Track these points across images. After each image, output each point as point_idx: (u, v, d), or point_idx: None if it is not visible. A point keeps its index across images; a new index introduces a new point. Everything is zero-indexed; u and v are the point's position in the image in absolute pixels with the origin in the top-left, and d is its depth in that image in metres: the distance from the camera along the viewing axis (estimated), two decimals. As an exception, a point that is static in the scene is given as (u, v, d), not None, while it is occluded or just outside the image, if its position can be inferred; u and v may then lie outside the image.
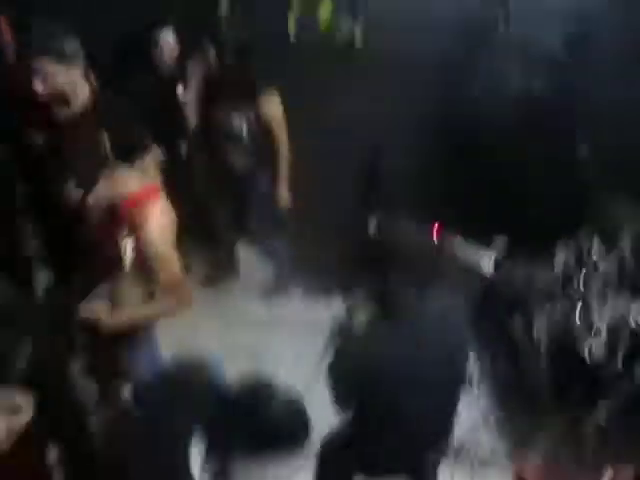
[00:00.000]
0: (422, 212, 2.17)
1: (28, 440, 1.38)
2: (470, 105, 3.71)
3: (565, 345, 2.95)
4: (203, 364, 1.70)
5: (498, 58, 3.68)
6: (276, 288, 3.84)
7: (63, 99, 2.25)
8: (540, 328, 3.01)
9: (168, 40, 3.36)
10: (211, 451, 1.56)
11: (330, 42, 3.71)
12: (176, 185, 2.43)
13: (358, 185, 3.84)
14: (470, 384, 2.02)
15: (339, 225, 3.67)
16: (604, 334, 2.61)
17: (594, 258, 3.14)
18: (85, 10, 2.97)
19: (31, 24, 2.18)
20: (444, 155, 3.78)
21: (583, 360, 2.78)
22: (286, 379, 1.63)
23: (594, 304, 2.90)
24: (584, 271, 3.14)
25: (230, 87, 3.20)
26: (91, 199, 1.95)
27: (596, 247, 3.14)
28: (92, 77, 2.37)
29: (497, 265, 3.44)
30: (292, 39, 3.68)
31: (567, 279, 3.29)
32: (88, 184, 1.93)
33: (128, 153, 2.10)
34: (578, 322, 2.91)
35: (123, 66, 3.32)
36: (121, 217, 1.96)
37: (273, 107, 3.23)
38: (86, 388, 1.89)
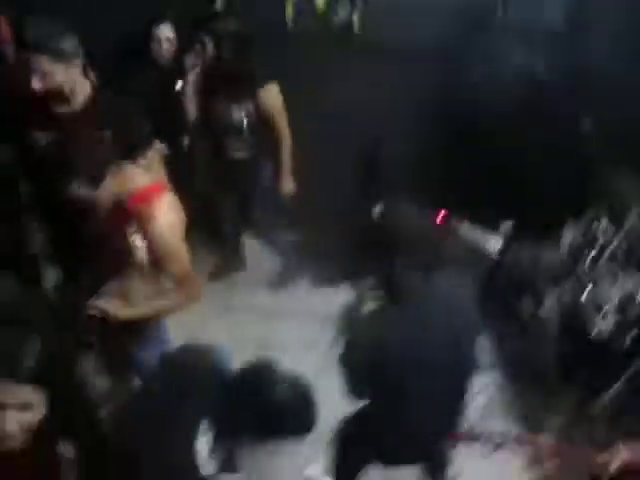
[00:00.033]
0: (425, 198, 2.16)
1: (40, 437, 1.39)
2: (470, 89, 3.68)
3: (574, 324, 2.98)
4: (209, 351, 1.70)
5: (497, 40, 3.65)
6: (283, 279, 3.85)
7: (62, 97, 2.24)
8: (548, 308, 3.04)
9: (166, 35, 3.35)
10: (218, 439, 1.57)
11: (328, 27, 3.67)
12: (179, 179, 2.43)
13: (359, 171, 3.83)
14: (480, 366, 2.02)
15: (343, 212, 3.66)
16: (613, 312, 2.62)
17: (601, 237, 3.13)
18: (84, 7, 2.95)
19: (30, 23, 2.17)
20: (446, 140, 3.76)
21: (590, 337, 2.79)
22: (295, 368, 1.63)
23: (602, 283, 2.91)
24: (592, 250, 3.15)
25: (229, 79, 3.18)
26: (98, 196, 1.95)
27: (603, 226, 3.14)
28: (92, 74, 2.37)
29: (504, 247, 3.44)
30: (290, 25, 3.65)
31: (575, 259, 3.30)
32: (94, 181, 1.93)
33: (131, 148, 2.10)
34: (587, 301, 2.92)
35: (122, 62, 3.31)
36: (129, 213, 1.97)
37: (272, 97, 3.22)
38: (96, 384, 1.90)
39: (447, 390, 1.95)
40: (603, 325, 2.86)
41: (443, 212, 2.71)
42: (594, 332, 2.85)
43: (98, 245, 2.03)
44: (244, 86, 3.18)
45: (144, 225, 1.96)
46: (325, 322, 2.95)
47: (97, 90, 2.32)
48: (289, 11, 3.64)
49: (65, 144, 2.00)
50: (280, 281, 3.84)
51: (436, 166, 3.77)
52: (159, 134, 2.52)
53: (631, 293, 2.91)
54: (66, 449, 1.50)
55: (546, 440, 2.72)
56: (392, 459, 2.15)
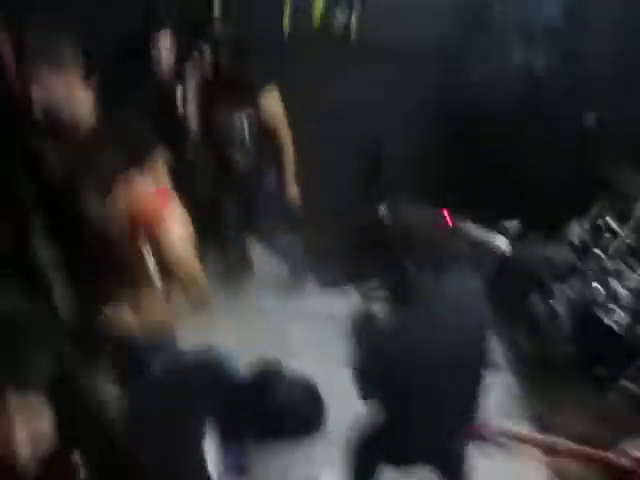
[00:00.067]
0: (427, 197, 2.15)
1: (53, 447, 1.39)
2: (471, 89, 3.68)
3: (588, 316, 2.96)
4: (217, 354, 1.70)
5: (496, 38, 3.65)
6: (291, 283, 3.85)
7: (64, 110, 2.25)
8: (560, 301, 3.02)
9: (165, 44, 3.36)
10: (225, 441, 1.56)
11: (327, 30, 3.68)
12: (182, 187, 2.43)
13: (361, 171, 3.83)
14: (492, 365, 2.00)
15: (346, 213, 3.67)
16: (625, 306, 2.60)
17: (610, 225, 3.11)
18: (82, 17, 2.97)
19: (30, 37, 2.18)
20: (446, 140, 3.77)
21: (607, 329, 2.78)
22: (306, 370, 1.62)
23: (611, 277, 2.90)
24: (601, 242, 3.13)
25: (228, 87, 3.19)
26: (108, 208, 1.95)
27: (611, 218, 3.12)
28: (93, 86, 2.37)
29: (511, 242, 3.42)
30: (288, 28, 3.66)
31: (582, 255, 3.29)
32: (103, 194, 1.93)
33: (137, 158, 2.10)
34: (600, 292, 2.91)
35: (122, 72, 3.32)
36: (139, 223, 1.97)
37: (273, 103, 3.22)
38: (106, 391, 1.89)
39: (460, 390, 1.93)
40: (616, 319, 2.84)
41: (445, 211, 2.71)
42: (609, 321, 2.83)
43: (108, 256, 2.03)
44: (244, 93, 3.19)
45: (153, 233, 1.96)
46: (335, 324, 2.94)
47: (99, 101, 2.32)
48: (287, 15, 3.65)
49: (72, 157, 2.00)
50: (287, 284, 3.84)
51: (438, 166, 3.77)
52: (161, 142, 2.52)
53: (641, 286, 2.91)
54: (77, 457, 1.49)
55: (560, 439, 2.70)
56: (407, 460, 2.13)
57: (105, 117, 2.28)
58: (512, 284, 3.35)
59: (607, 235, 3.09)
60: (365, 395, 1.94)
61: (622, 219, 3.11)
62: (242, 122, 3.23)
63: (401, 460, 2.14)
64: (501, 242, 3.42)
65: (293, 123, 3.32)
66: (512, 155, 3.65)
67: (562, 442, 2.66)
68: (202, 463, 1.54)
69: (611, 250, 3.07)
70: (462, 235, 3.21)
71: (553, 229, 3.37)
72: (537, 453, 2.76)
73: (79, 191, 1.89)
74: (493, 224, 3.46)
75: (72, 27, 2.26)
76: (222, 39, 3.16)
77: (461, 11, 3.66)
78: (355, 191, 3.80)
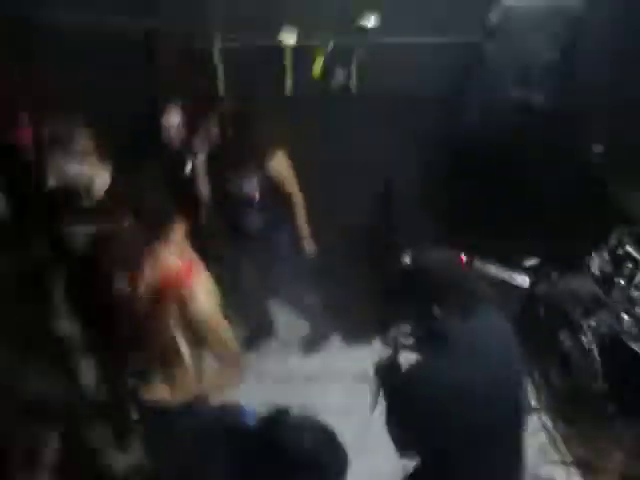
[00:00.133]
0: (446, 239, 2.15)
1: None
2: (475, 130, 3.73)
3: (619, 348, 2.88)
4: (233, 409, 1.67)
5: (493, 74, 3.71)
6: (313, 341, 3.82)
7: (80, 190, 2.32)
8: (590, 336, 2.95)
9: (174, 121, 3.49)
10: None
11: (326, 90, 3.78)
12: (200, 254, 2.46)
13: (376, 220, 3.86)
14: (528, 405, 1.95)
15: (366, 265, 3.66)
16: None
17: (630, 252, 3.06)
18: (94, 97, 3.10)
19: (45, 122, 2.28)
20: (459, 180, 3.78)
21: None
22: (337, 426, 1.58)
23: (639, 297, 2.80)
24: (624, 271, 3.08)
25: (236, 156, 3.28)
26: (140, 285, 1.96)
27: (630, 246, 3.08)
28: (108, 163, 2.44)
29: (533, 279, 3.38)
30: (290, 92, 3.78)
31: (608, 282, 3.24)
32: (134, 270, 1.94)
33: (157, 227, 2.13)
34: (627, 319, 2.83)
35: (135, 149, 3.43)
36: (168, 295, 1.98)
37: (280, 166, 3.30)
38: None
39: (501, 435, 1.87)
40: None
41: (463, 256, 2.70)
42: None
43: (138, 333, 2.03)
44: (251, 161, 3.27)
45: (183, 306, 1.97)
46: (362, 379, 2.89)
47: (116, 177, 2.39)
48: (289, 78, 3.76)
49: (103, 242, 2.04)
50: (311, 344, 3.82)
51: (450, 206, 3.78)
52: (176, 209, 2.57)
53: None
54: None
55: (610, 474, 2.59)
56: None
57: (121, 189, 2.34)
58: (539, 322, 3.29)
59: (629, 264, 3.05)
60: (404, 448, 1.88)
61: (640, 245, 3.08)
62: (252, 188, 3.29)
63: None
64: (522, 280, 3.38)
65: (303, 179, 3.38)
66: (525, 190, 3.66)
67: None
68: None
69: (635, 279, 3.01)
70: (481, 275, 3.19)
71: (574, 262, 3.33)
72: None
73: (109, 271, 1.91)
74: (511, 261, 3.43)
75: (86, 108, 2.36)
76: (226, 114, 3.27)
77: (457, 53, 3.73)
78: (374, 240, 3.81)
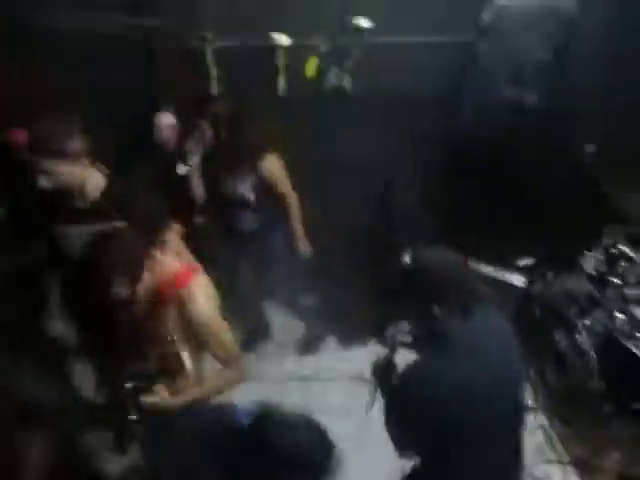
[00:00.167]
0: (443, 238, 2.15)
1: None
2: (470, 129, 3.74)
3: (614, 347, 2.88)
4: (226, 408, 1.67)
5: (488, 75, 3.73)
6: (310, 342, 3.82)
7: (73, 191, 2.31)
8: (583, 332, 2.95)
9: (167, 122, 3.48)
10: None
11: (319, 91, 3.79)
12: (196, 256, 2.45)
13: (375, 219, 3.86)
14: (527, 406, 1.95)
15: (363, 265, 3.66)
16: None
17: (624, 251, 3.07)
18: (89, 99, 3.09)
19: (36, 125, 2.26)
20: (454, 180, 3.79)
21: (635, 356, 2.69)
22: (334, 426, 1.58)
23: (633, 296, 2.83)
24: (618, 270, 3.08)
25: (229, 158, 3.27)
26: (139, 290, 1.95)
27: (624, 245, 3.08)
28: (102, 166, 2.43)
29: (527, 276, 3.39)
30: (283, 93, 3.78)
31: (602, 281, 3.24)
32: (134, 277, 1.93)
33: (152, 231, 2.12)
34: (621, 318, 2.84)
35: (129, 151, 3.43)
36: (167, 298, 1.96)
37: (274, 167, 3.29)
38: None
39: (500, 430, 1.86)
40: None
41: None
42: (636, 355, 2.76)
43: (137, 336, 2.02)
44: (245, 161, 3.26)
45: (182, 309, 1.96)
46: (358, 382, 2.89)
47: (111, 179, 2.38)
48: (282, 79, 3.76)
49: (98, 244, 2.02)
50: (307, 345, 3.81)
51: (446, 205, 3.79)
52: (171, 212, 2.56)
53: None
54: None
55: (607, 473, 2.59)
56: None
57: (117, 193, 2.32)
58: (534, 322, 3.30)
59: (623, 263, 3.06)
60: (404, 448, 1.87)
61: (635, 244, 3.09)
62: (246, 189, 3.29)
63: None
64: (516, 279, 3.39)
65: (297, 180, 3.38)
66: (519, 189, 3.67)
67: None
68: None
69: (629, 277, 3.02)
70: (477, 275, 3.19)
71: (569, 262, 3.35)
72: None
73: (104, 273, 1.89)
74: (506, 261, 3.44)
75: (83, 108, 2.34)
76: (220, 115, 3.27)
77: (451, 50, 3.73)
78: (371, 240, 3.81)
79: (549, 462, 2.91)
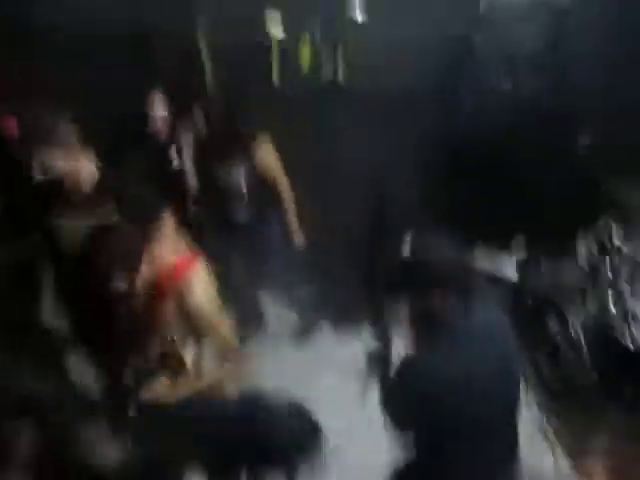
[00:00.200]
0: (438, 227, 2.16)
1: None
2: (465, 118, 3.74)
3: (604, 336, 2.91)
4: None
5: (483, 67, 3.73)
6: (304, 332, 3.84)
7: (67, 183, 2.30)
8: (576, 323, 2.98)
9: (159, 112, 3.46)
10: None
11: (314, 82, 3.78)
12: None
13: (369, 212, 3.86)
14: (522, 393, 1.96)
15: (359, 256, 3.67)
16: (641, 317, 2.50)
17: (616, 244, 3.10)
18: (79, 89, 3.08)
19: (28, 117, 2.25)
20: (450, 170, 3.79)
21: (626, 348, 2.72)
22: (328, 418, 1.60)
23: (626, 289, 2.86)
24: (610, 261, 3.10)
25: (222, 148, 3.26)
26: (138, 282, 1.95)
27: (616, 233, 3.11)
28: (94, 157, 2.42)
29: (520, 268, 3.41)
30: (277, 83, 3.76)
31: (594, 269, 3.26)
32: (132, 268, 1.93)
33: (145, 222, 2.12)
34: (613, 310, 2.88)
35: (120, 140, 3.41)
36: (166, 291, 1.96)
37: (266, 155, 3.29)
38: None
39: (497, 424, 1.88)
40: (634, 330, 2.80)
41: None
42: (626, 339, 2.79)
43: (136, 329, 2.02)
44: (238, 152, 3.26)
45: (181, 301, 1.95)
46: (353, 366, 2.90)
47: (103, 171, 2.37)
48: (276, 68, 3.74)
49: (94, 236, 2.01)
50: (301, 335, 3.83)
51: (443, 196, 3.80)
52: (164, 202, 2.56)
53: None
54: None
55: (595, 460, 2.63)
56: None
57: (110, 183, 2.32)
58: (527, 314, 3.32)
59: (615, 254, 3.08)
60: (400, 430, 1.89)
61: (627, 236, 3.11)
62: (239, 179, 3.28)
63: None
64: (511, 273, 3.41)
65: (291, 172, 3.38)
66: (512, 179, 3.68)
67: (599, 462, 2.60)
68: None
69: (620, 269, 3.05)
70: (472, 268, 3.20)
71: (561, 254, 3.37)
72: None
73: (101, 266, 1.89)
74: (500, 254, 3.46)
75: (71, 100, 2.33)
76: (213, 104, 3.25)
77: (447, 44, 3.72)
78: (370, 233, 3.83)
79: (541, 452, 2.94)
